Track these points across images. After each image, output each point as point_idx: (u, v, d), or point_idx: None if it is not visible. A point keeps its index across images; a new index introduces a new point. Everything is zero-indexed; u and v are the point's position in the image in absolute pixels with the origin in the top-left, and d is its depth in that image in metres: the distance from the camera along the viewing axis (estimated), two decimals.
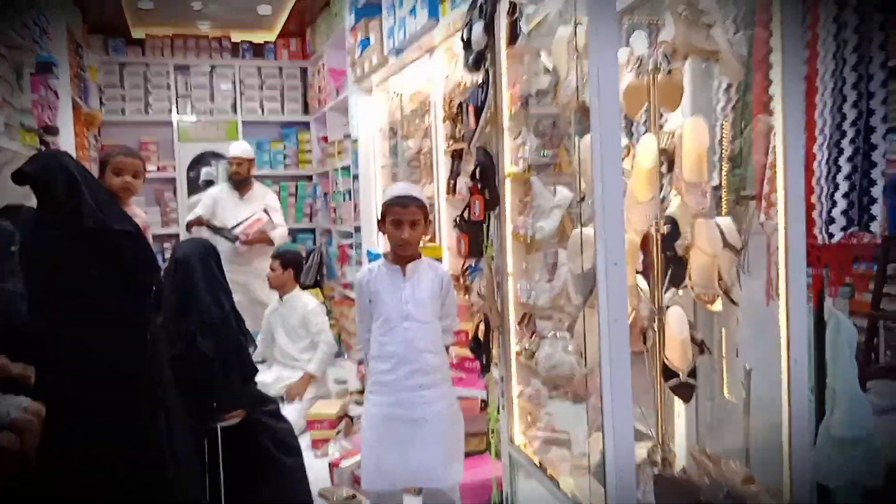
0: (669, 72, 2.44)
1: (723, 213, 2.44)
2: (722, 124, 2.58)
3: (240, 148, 5.68)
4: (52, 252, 2.59)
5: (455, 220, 3.13)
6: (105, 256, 2.60)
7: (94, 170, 4.32)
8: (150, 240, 3.20)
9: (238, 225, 5.43)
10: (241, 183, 5.58)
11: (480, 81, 3.00)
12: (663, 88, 2.45)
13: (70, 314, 2.62)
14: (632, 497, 2.13)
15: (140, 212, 3.76)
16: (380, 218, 2.72)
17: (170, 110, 7.41)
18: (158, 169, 7.32)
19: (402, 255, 2.70)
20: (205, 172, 7.13)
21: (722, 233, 2.30)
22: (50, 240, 2.59)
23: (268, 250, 5.35)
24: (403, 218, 2.65)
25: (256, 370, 3.60)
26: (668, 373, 2.33)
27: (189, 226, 5.57)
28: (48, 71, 4.44)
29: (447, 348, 2.83)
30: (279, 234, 5.55)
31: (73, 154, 5.35)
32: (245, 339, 3.38)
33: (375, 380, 2.70)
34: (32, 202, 3.49)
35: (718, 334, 2.63)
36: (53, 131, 4.44)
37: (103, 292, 2.62)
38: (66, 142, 5.14)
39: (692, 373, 2.28)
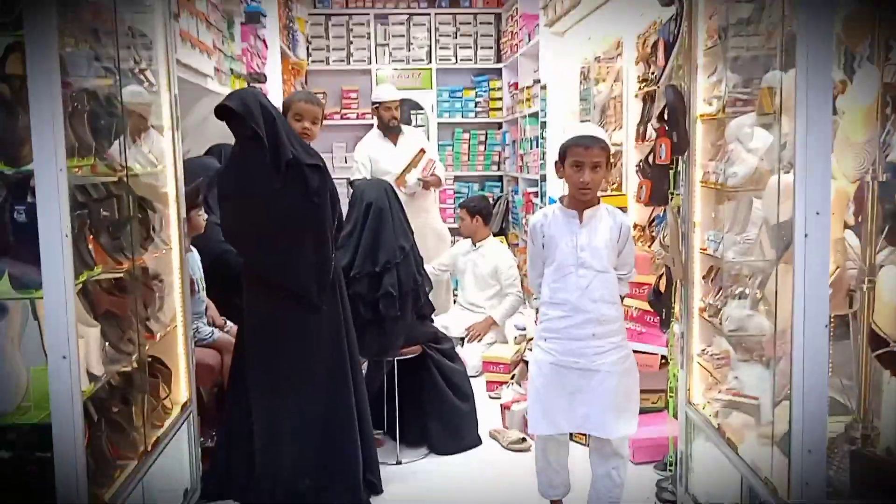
0: None
1: None
2: None
3: (387, 92, 5.19)
4: (250, 182, 2.81)
5: (638, 165, 2.95)
6: (297, 187, 2.78)
7: None
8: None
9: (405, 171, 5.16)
10: (391, 129, 5.16)
11: (673, 14, 2.77)
12: (893, 14, 2.10)
13: (264, 239, 2.83)
14: (820, 473, 1.92)
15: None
16: (558, 159, 2.61)
17: (369, 59, 7.69)
18: (358, 116, 7.65)
19: (581, 200, 2.58)
20: None
21: None
22: (248, 171, 2.80)
23: (433, 194, 5.34)
24: (585, 160, 2.52)
25: (433, 309, 3.70)
26: (876, 341, 2.05)
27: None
28: (257, 21, 4.74)
29: (622, 299, 2.69)
30: (442, 172, 5.32)
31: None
32: (422, 278, 3.47)
33: (546, 326, 2.63)
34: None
35: None
36: (261, 78, 4.75)
37: (294, 218, 2.80)
38: (274, 88, 5.48)
39: None
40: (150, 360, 2.76)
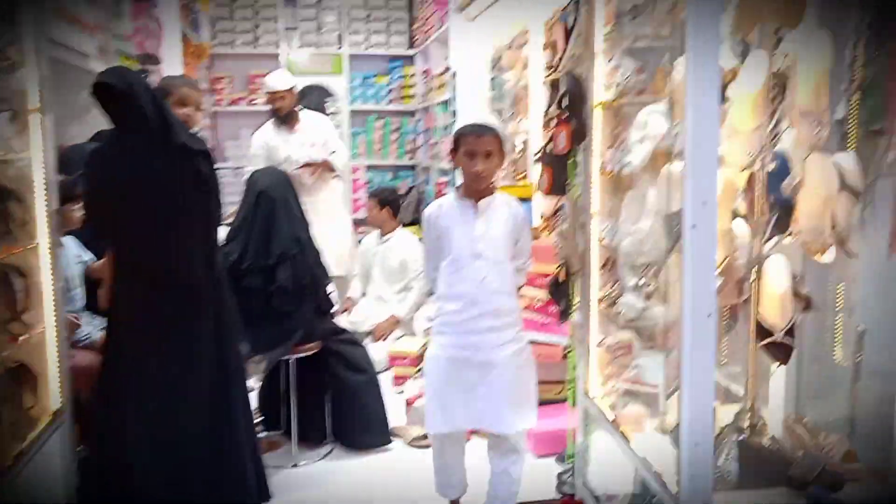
0: None
1: (847, 148, 2.08)
2: (853, 45, 2.18)
3: (279, 80, 4.83)
4: (132, 169, 2.59)
5: (538, 153, 2.90)
6: (186, 174, 2.59)
7: None
8: None
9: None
10: (287, 117, 4.84)
11: None
12: (783, 1, 2.09)
13: (146, 230, 2.62)
14: (707, 464, 1.89)
15: None
16: (452, 148, 2.52)
17: (277, 43, 7.42)
18: (266, 102, 7.38)
19: (476, 189, 2.50)
20: None
21: (841, 172, 1.95)
22: (131, 156, 2.59)
23: (331, 183, 5.04)
24: (478, 148, 2.43)
25: (332, 304, 3.56)
26: (762, 330, 2.04)
27: None
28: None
29: (518, 290, 2.63)
30: (336, 158, 4.93)
31: None
32: (321, 272, 3.33)
33: (443, 320, 2.54)
34: None
35: (832, 290, 2.29)
36: (153, 59, 4.48)
37: (182, 207, 2.61)
38: (174, 71, 5.20)
39: (790, 331, 1.99)
40: (14, 365, 2.54)
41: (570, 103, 2.69)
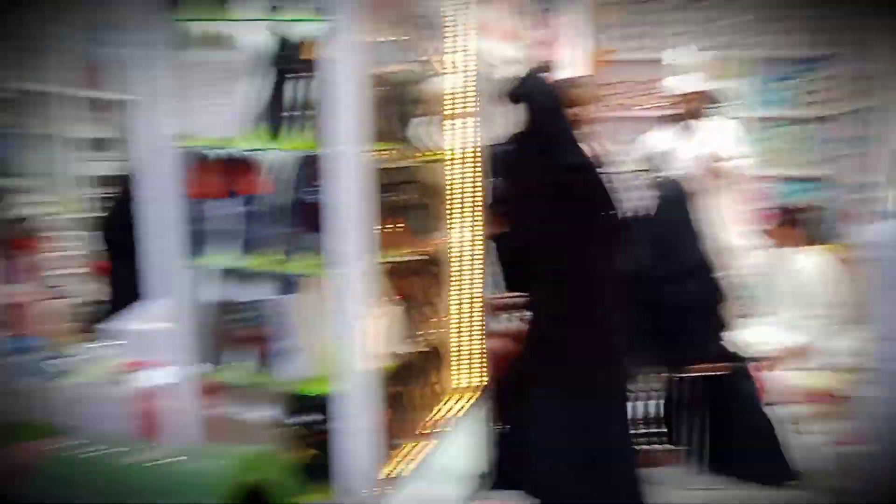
0: None
1: None
2: None
3: (689, 81, 4.71)
4: (524, 173, 2.76)
5: None
6: (566, 187, 2.67)
7: None
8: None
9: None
10: (690, 121, 4.65)
11: None
12: None
13: (534, 233, 2.75)
14: None
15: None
16: None
17: (673, 46, 7.18)
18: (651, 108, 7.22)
19: None
20: None
21: None
22: (529, 167, 2.75)
23: (731, 192, 4.60)
24: None
25: (729, 325, 3.31)
26: None
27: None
28: (552, 9, 4.63)
29: None
30: (736, 166, 4.55)
31: None
32: (721, 289, 3.11)
33: None
34: None
35: None
36: (549, 67, 4.61)
37: (558, 216, 2.69)
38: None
39: None
40: (428, 348, 2.79)
41: None
